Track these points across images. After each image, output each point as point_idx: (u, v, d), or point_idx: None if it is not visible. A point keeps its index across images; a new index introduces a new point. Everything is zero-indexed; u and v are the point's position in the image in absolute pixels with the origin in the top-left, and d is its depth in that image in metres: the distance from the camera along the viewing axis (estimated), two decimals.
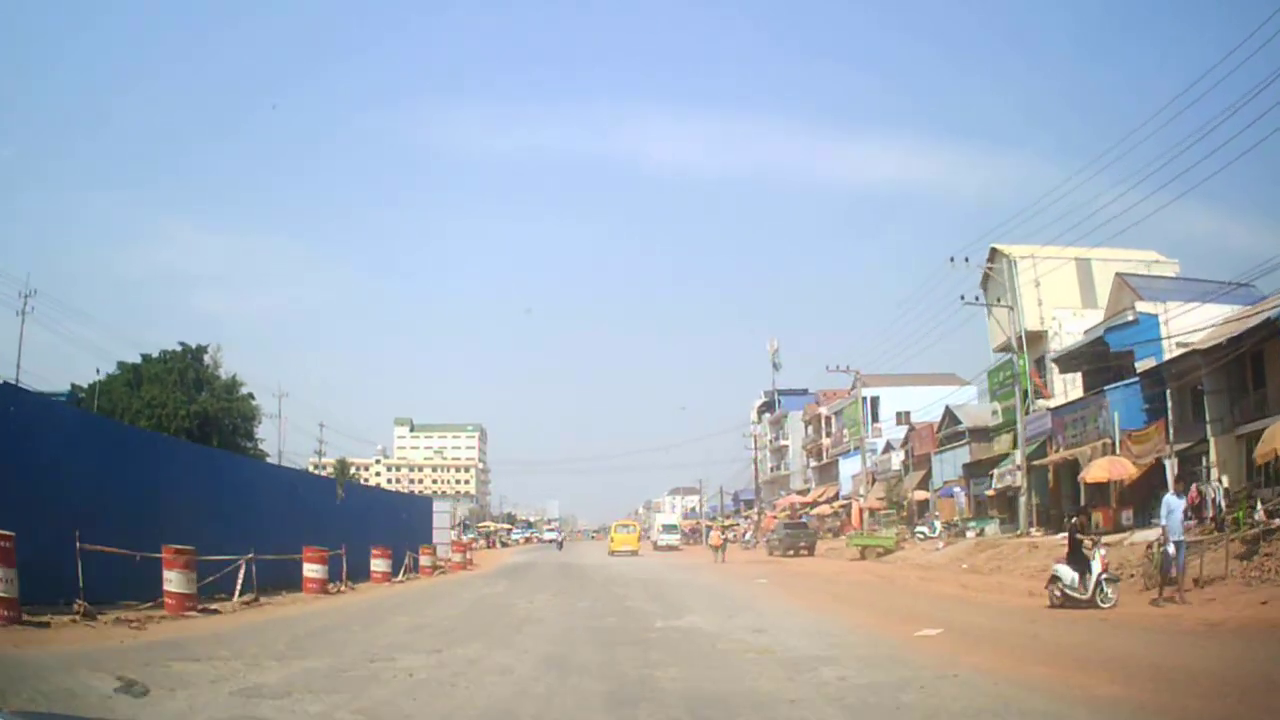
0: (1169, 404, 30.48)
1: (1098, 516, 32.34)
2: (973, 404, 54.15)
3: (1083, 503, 33.38)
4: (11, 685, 7.74)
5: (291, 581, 21.27)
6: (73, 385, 52.75)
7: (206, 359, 66.76)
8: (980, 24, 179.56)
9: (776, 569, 35.64)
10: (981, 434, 50.20)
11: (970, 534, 40.70)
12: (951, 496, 48.73)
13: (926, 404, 60.01)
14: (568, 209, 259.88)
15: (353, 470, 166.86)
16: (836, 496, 67.06)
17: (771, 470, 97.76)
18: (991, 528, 41.02)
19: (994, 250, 45.31)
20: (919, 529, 46.06)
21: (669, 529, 68.06)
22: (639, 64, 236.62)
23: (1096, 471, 31.33)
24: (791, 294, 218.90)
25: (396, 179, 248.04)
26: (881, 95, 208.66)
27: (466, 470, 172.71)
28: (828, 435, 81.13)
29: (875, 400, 69.74)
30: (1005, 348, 44.78)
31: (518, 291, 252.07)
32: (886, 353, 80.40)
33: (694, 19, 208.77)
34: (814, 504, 71.63)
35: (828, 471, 73.81)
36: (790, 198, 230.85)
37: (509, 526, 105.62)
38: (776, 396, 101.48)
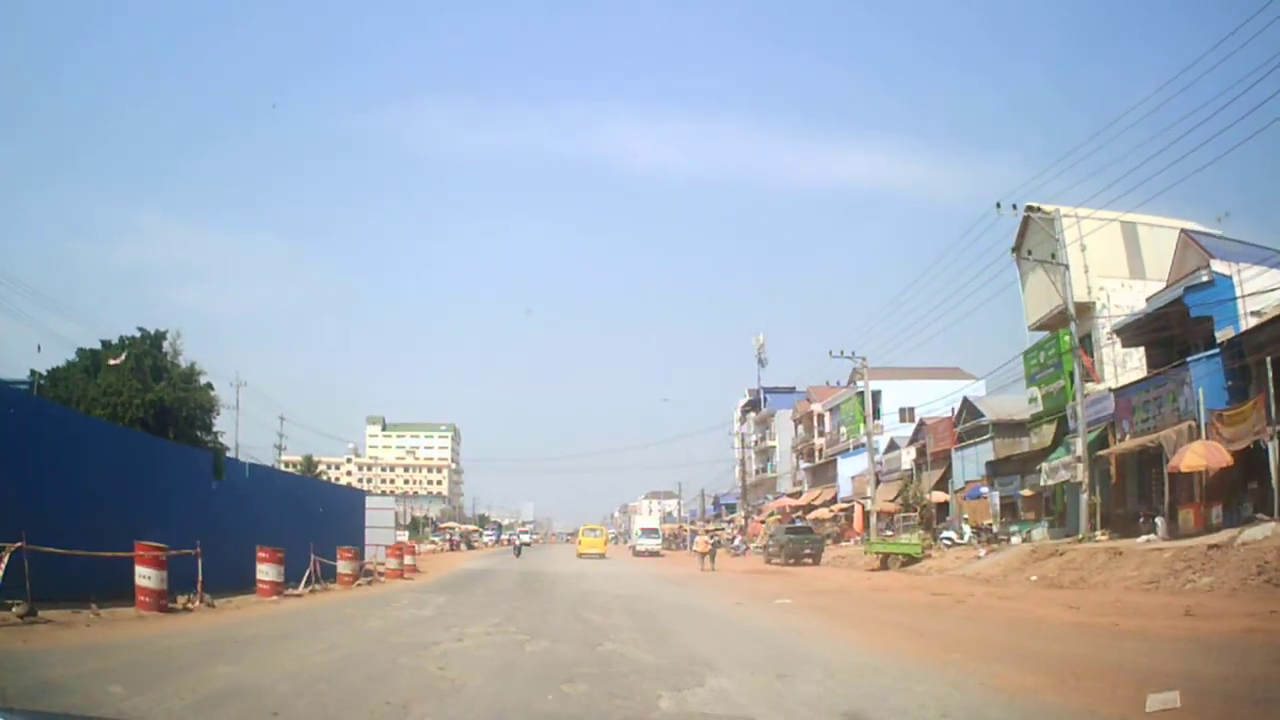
0: (1269, 375, 23.78)
1: (1186, 514, 25.73)
2: (990, 398, 47.49)
3: (1167, 498, 26.60)
4: None
5: (124, 590, 14.33)
6: (32, 371, 48.67)
7: (166, 346, 63.53)
8: (963, 24, 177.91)
9: (789, 583, 28.61)
10: (1008, 428, 43.68)
11: (1016, 539, 34.04)
12: (979, 497, 42.05)
13: (931, 399, 53.64)
14: (548, 209, 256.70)
15: (322, 468, 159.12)
16: (835, 499, 60.18)
17: (757, 472, 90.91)
18: (1039, 531, 34.37)
19: (1032, 209, 38.73)
20: (944, 534, 39.19)
21: (649, 533, 61.63)
22: (618, 65, 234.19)
23: (1192, 459, 24.55)
24: (774, 294, 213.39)
25: (378, 180, 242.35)
26: (863, 95, 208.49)
27: (439, 471, 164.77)
28: (821, 434, 74.44)
29: (877, 395, 63.02)
30: (1044, 325, 38.26)
31: (498, 292, 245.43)
32: (883, 347, 73.90)
33: (675, 19, 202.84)
34: (808, 507, 64.73)
35: (823, 473, 66.97)
36: (772, 197, 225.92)
37: (476, 529, 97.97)
38: (762, 394, 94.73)
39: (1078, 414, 31.91)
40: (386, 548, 34.25)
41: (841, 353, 50.75)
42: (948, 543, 38.06)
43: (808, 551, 39.88)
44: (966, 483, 45.86)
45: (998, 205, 34.78)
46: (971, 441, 46.08)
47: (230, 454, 62.71)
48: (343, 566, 24.15)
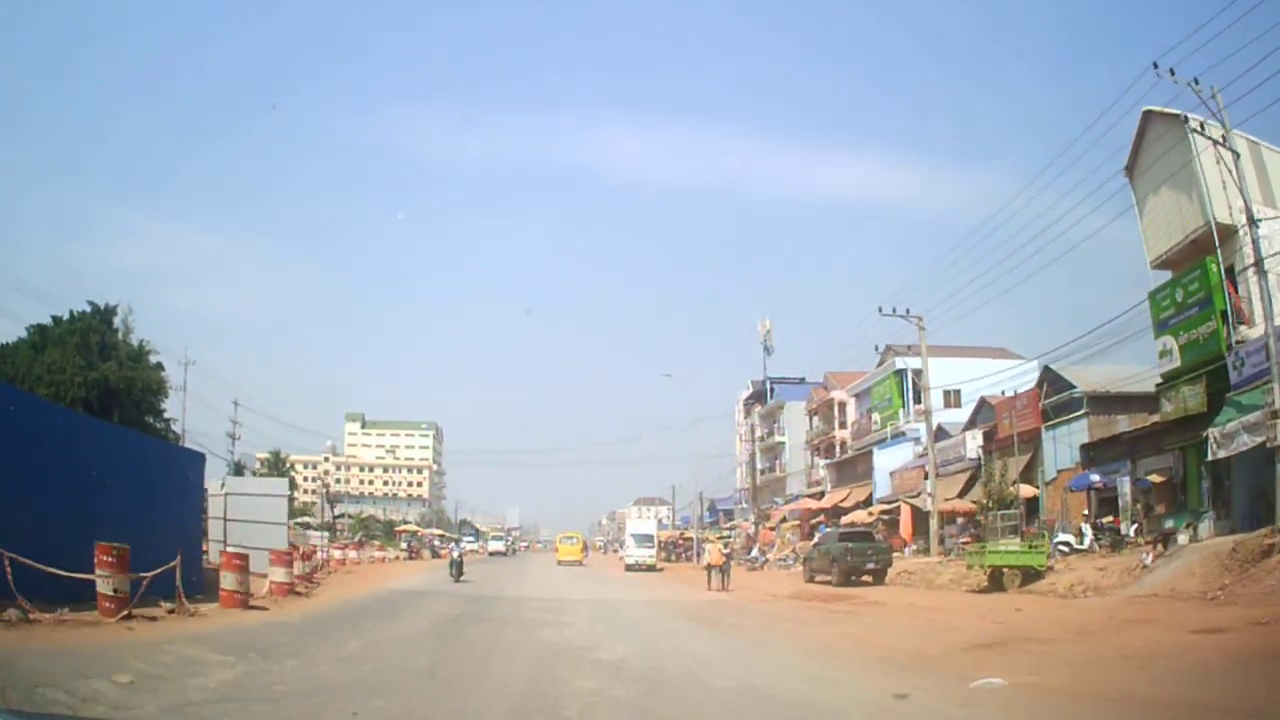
0: None
1: None
2: (1077, 368, 36.43)
3: None
4: None
5: None
6: None
7: (116, 322, 59.16)
8: (961, 27, 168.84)
9: (904, 622, 17.13)
10: (1107, 402, 33.02)
11: (1181, 537, 23.05)
12: (1089, 487, 31.11)
13: (978, 379, 43.01)
14: (542, 213, 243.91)
15: (299, 468, 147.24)
16: (870, 500, 48.83)
17: (763, 472, 79.35)
18: (1205, 526, 23.57)
19: (1152, 113, 28.14)
20: (1060, 538, 27.94)
21: (642, 540, 48.51)
22: (613, 70, 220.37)
23: None
24: (772, 296, 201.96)
25: (370, 183, 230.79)
26: (858, 101, 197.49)
27: (419, 471, 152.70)
28: (843, 425, 63.16)
29: (918, 375, 51.85)
30: (1170, 261, 27.95)
31: (491, 294, 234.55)
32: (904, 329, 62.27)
33: (672, 24, 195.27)
34: (835, 509, 53.38)
35: (851, 469, 55.60)
36: (767, 202, 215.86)
37: (441, 534, 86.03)
38: (769, 385, 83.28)
39: (1242, 361, 21.42)
40: (273, 555, 22.84)
41: (894, 310, 39.68)
42: (1064, 549, 26.91)
43: (871, 566, 28.38)
44: (1059, 471, 34.98)
45: (1154, 65, 23.48)
46: (1062, 419, 35.23)
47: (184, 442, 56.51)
48: (106, 585, 12.67)
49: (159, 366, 71.68)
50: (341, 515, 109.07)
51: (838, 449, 62.95)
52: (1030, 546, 25.05)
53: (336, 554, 40.80)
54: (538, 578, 33.56)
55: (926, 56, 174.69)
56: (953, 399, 49.86)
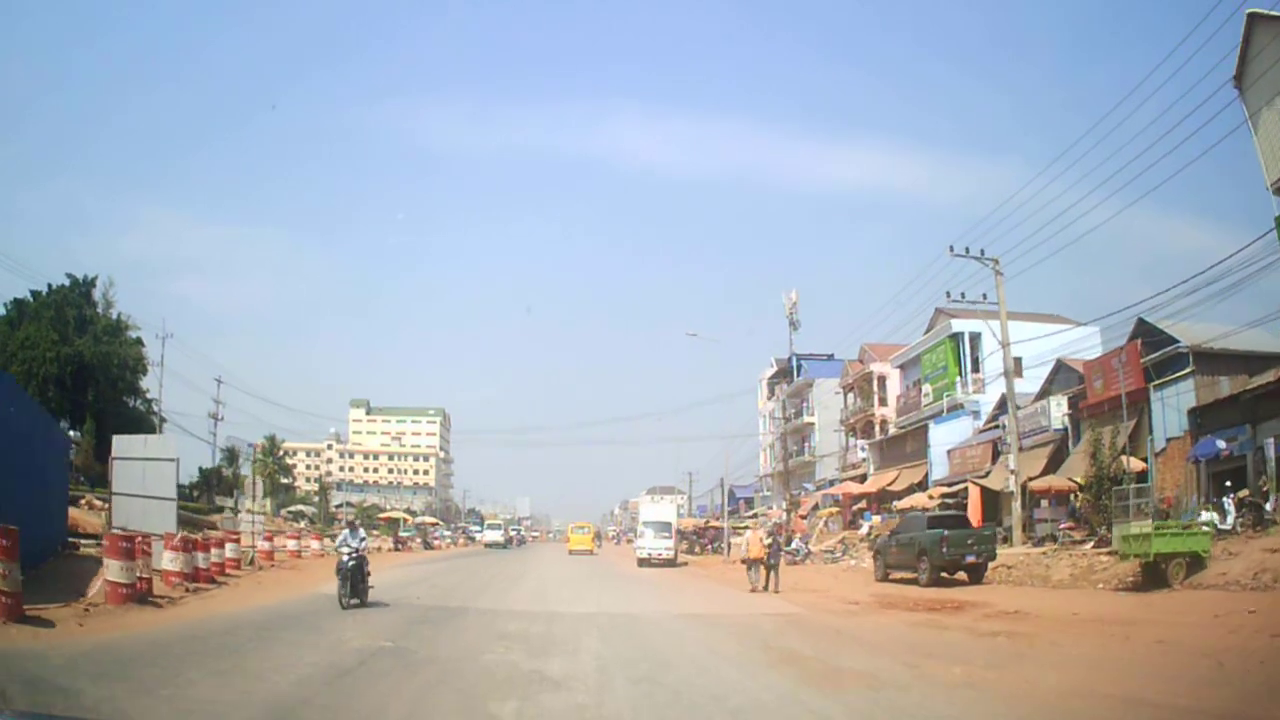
0: None
1: None
2: (1178, 322, 29.73)
3: None
4: None
5: None
6: None
7: (96, 295, 57.97)
8: (966, 24, 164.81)
9: (1128, 648, 10.44)
10: (1213, 361, 26.68)
11: None
12: (1213, 456, 24.63)
13: (1037, 345, 36.73)
14: (551, 204, 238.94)
15: (301, 455, 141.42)
16: (925, 481, 42.07)
17: (791, 455, 72.51)
18: None
19: (1254, 20, 23.57)
20: (1204, 515, 21.33)
21: (659, 530, 40.04)
22: (621, 64, 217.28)
23: None
24: (782, 285, 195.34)
25: (378, 174, 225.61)
26: (866, 95, 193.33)
27: (426, 459, 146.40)
28: (883, 402, 56.36)
29: (976, 340, 45.10)
30: None
31: (500, 284, 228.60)
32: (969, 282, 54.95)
33: (680, 18, 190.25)
34: (879, 494, 46.71)
35: (898, 449, 48.78)
36: (777, 196, 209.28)
37: (435, 522, 79.47)
38: (796, 362, 76.38)
39: None
40: (164, 536, 16.58)
41: (966, 251, 33.13)
42: (1208, 526, 20.28)
43: (971, 559, 21.55)
44: (1168, 440, 28.31)
45: None
46: (1167, 379, 28.63)
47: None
48: None
49: (138, 342, 65.63)
50: (343, 505, 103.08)
51: (877, 428, 56.17)
52: (1183, 529, 18.38)
53: (291, 544, 34.20)
54: (537, 576, 27.06)
55: (936, 48, 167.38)
56: (1013, 367, 43.06)
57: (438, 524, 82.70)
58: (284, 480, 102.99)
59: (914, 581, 22.40)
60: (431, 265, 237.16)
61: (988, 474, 36.71)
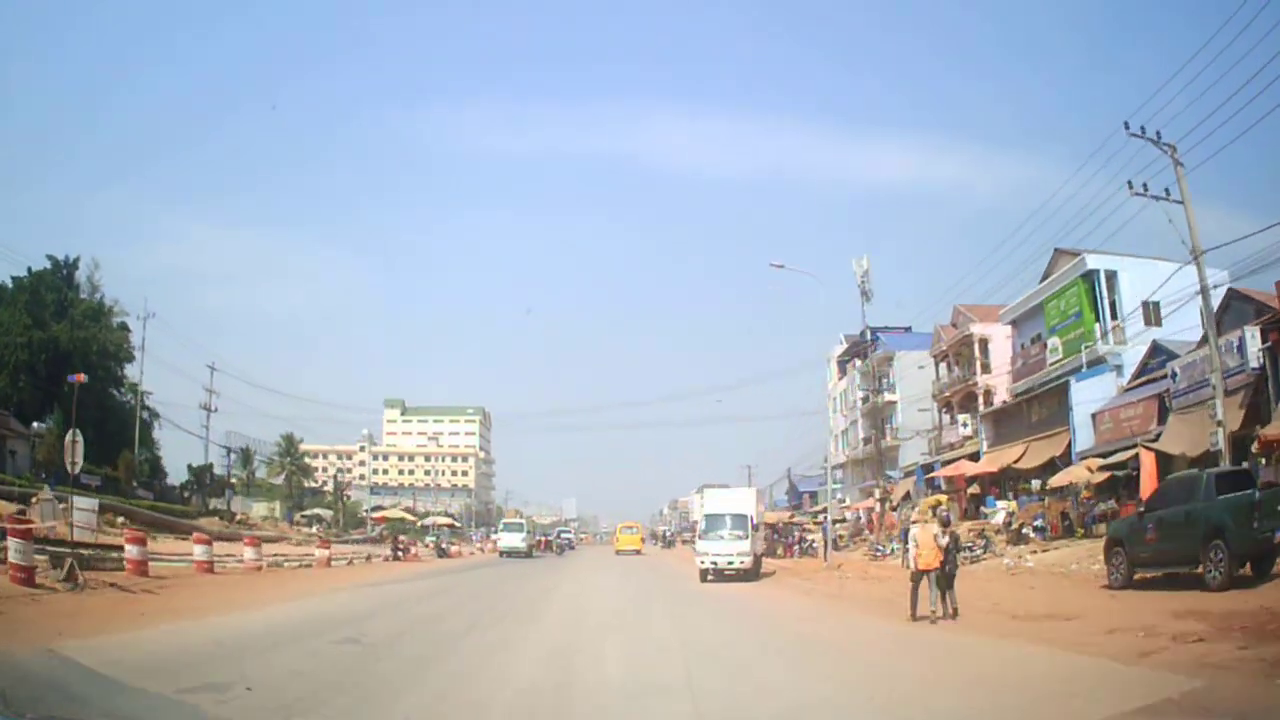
0: None
1: None
2: None
3: None
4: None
5: None
6: None
7: (79, 279, 55.21)
8: (993, 31, 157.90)
9: None
10: None
11: None
12: None
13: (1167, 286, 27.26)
14: (585, 205, 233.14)
15: (331, 458, 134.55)
16: (1067, 454, 32.54)
17: (866, 441, 62.99)
18: None
19: None
20: None
21: (734, 527, 27.07)
22: (651, 63, 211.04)
23: None
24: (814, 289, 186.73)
25: (413, 176, 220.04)
26: (895, 99, 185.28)
27: (465, 460, 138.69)
28: (985, 369, 46.75)
29: (1112, 279, 35.44)
30: None
31: (533, 288, 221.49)
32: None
33: (704, 19, 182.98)
34: (1003, 473, 37.21)
35: (1017, 419, 39.15)
36: (808, 198, 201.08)
37: (450, 522, 70.32)
38: (871, 335, 66.70)
39: None
40: None
41: (1142, 131, 23.87)
42: None
43: None
44: None
45: None
46: None
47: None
48: None
49: (123, 328, 58.32)
50: (377, 508, 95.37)
51: (980, 399, 46.54)
52: None
53: (249, 553, 24.95)
54: (566, 606, 17.74)
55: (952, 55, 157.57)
56: (1153, 314, 33.59)
57: (457, 525, 73.58)
58: (308, 483, 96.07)
59: (1186, 582, 13.18)
60: (469, 266, 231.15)
61: (1157, 437, 27.28)
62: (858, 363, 67.17)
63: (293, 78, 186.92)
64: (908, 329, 67.57)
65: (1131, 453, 27.56)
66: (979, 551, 25.97)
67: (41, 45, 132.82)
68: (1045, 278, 40.02)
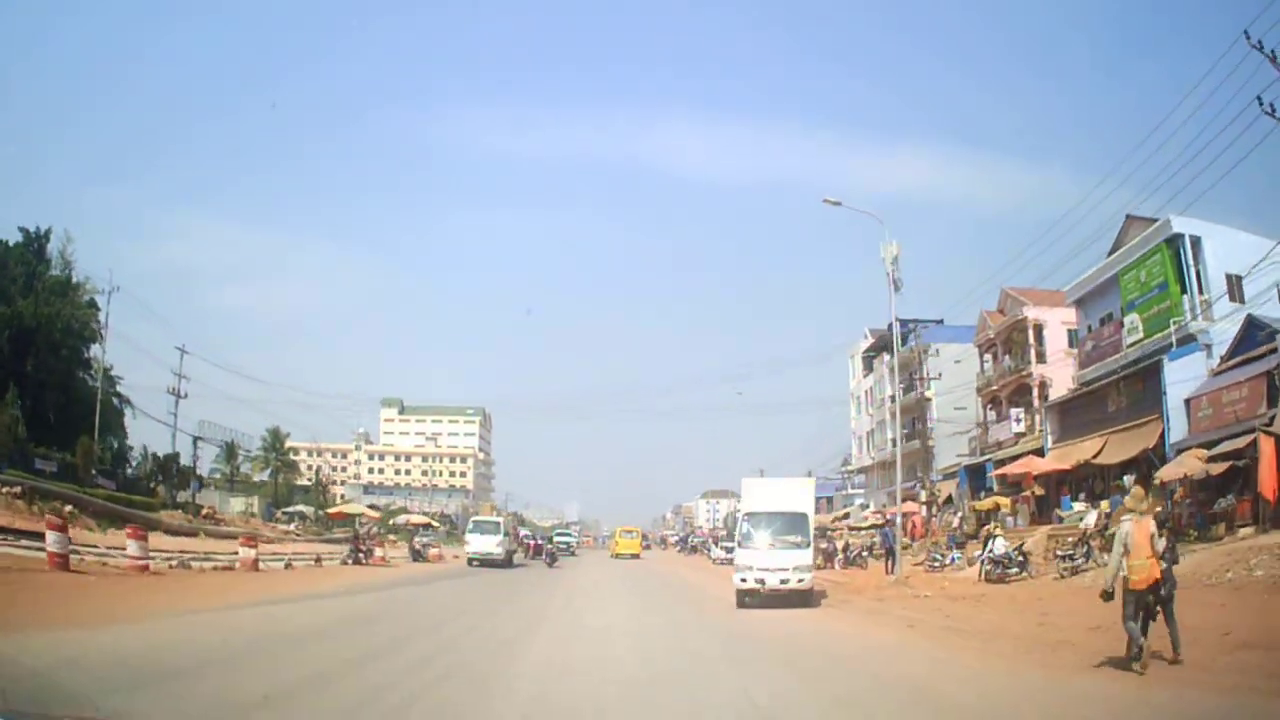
0: None
1: None
2: None
3: None
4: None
5: None
6: None
7: (51, 253, 52.54)
8: (1003, 43, 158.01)
9: None
10: None
11: None
12: None
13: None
14: (592, 209, 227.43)
15: (327, 456, 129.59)
16: (1161, 444, 27.44)
17: (894, 442, 57.72)
18: None
19: None
20: None
21: (789, 527, 19.70)
22: (660, 67, 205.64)
23: None
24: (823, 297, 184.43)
25: (420, 179, 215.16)
26: (905, 109, 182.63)
27: (464, 461, 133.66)
28: (1040, 358, 41.78)
29: (1196, 246, 30.39)
30: None
31: (539, 289, 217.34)
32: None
33: (714, 24, 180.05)
34: (1078, 469, 32.10)
35: (1091, 409, 33.97)
36: (817, 203, 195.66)
37: (429, 520, 63.94)
38: (899, 328, 61.58)
39: None
40: None
41: (1260, 45, 19.32)
42: None
43: None
44: None
45: None
46: None
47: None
48: None
49: (91, 305, 53.71)
50: (372, 507, 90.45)
51: (1035, 392, 41.52)
52: None
53: (131, 546, 19.13)
54: (531, 672, 9.93)
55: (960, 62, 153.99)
56: (1235, 286, 28.85)
57: (436, 525, 67.59)
58: (298, 481, 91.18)
59: None
60: (470, 265, 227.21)
61: (1271, 420, 22.33)
62: (886, 357, 62.10)
63: (294, 75, 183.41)
64: (939, 322, 62.50)
65: (1243, 440, 22.65)
66: (1080, 560, 20.93)
67: (43, 42, 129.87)
68: (1114, 250, 35.16)
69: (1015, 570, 22.13)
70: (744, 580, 19.42)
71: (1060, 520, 28.84)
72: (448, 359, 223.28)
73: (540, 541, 52.77)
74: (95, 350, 52.84)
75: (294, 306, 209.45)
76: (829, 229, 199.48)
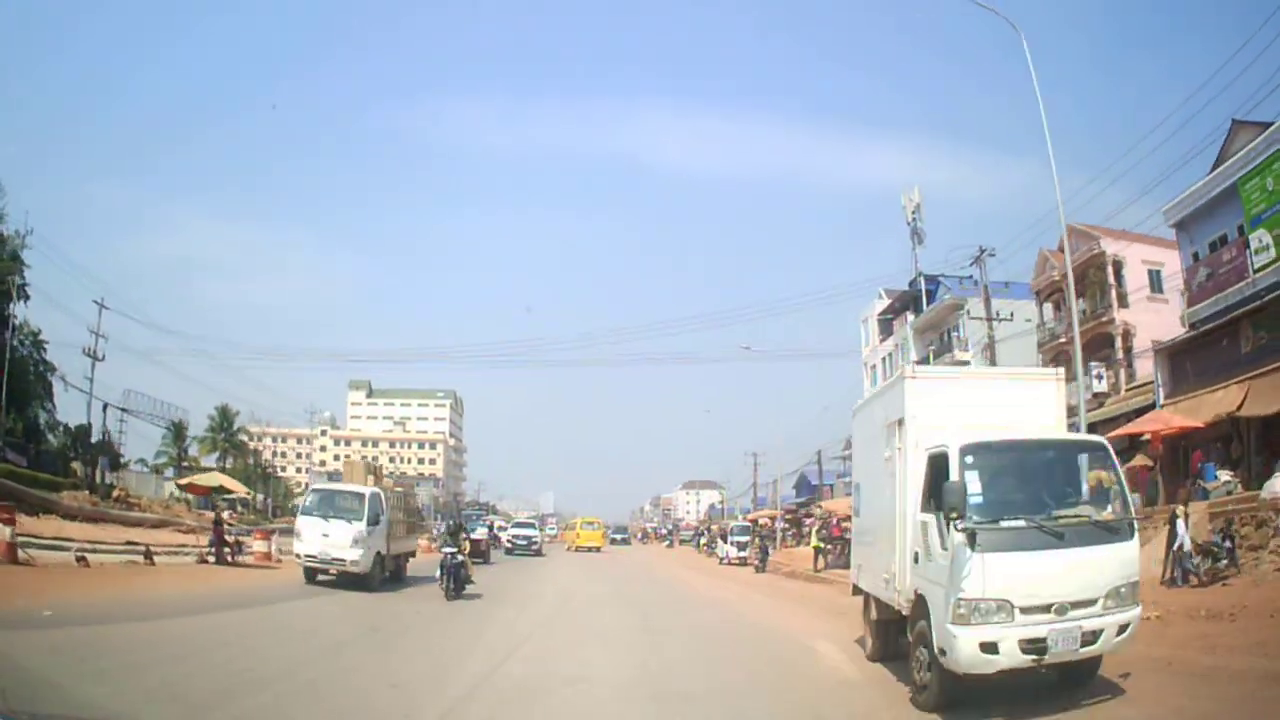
0: None
1: None
2: None
3: None
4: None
5: None
6: None
7: None
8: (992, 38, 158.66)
9: None
10: None
11: None
12: None
13: None
14: (578, 204, 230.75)
15: (293, 442, 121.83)
16: None
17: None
18: None
19: None
20: None
21: (1066, 482, 8.99)
22: (651, 62, 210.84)
23: None
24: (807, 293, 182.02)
25: (401, 170, 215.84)
26: (892, 101, 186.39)
27: (433, 447, 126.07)
28: (1122, 303, 35.54)
29: None
30: None
31: (525, 286, 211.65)
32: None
33: (704, 18, 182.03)
34: (1212, 427, 25.63)
35: (1209, 355, 27.48)
36: (804, 200, 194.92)
37: (247, 491, 55.12)
38: (925, 286, 55.34)
39: None
40: None
41: None
42: None
43: None
44: None
45: None
46: None
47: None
48: None
49: (14, 258, 46.70)
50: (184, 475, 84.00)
51: (1118, 342, 35.26)
52: None
53: None
54: None
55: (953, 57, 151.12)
56: None
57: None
58: (255, 465, 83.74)
59: None
60: (465, 261, 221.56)
61: None
62: (910, 316, 55.65)
63: (293, 75, 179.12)
64: (969, 278, 56.18)
65: None
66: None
67: (46, 40, 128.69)
68: (1218, 163, 28.85)
69: (1224, 563, 15.42)
70: (989, 639, 7.77)
71: (1205, 494, 22.31)
72: (429, 353, 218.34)
73: (476, 534, 31.06)
74: (19, 310, 45.91)
75: (294, 306, 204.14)
76: (829, 229, 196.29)
